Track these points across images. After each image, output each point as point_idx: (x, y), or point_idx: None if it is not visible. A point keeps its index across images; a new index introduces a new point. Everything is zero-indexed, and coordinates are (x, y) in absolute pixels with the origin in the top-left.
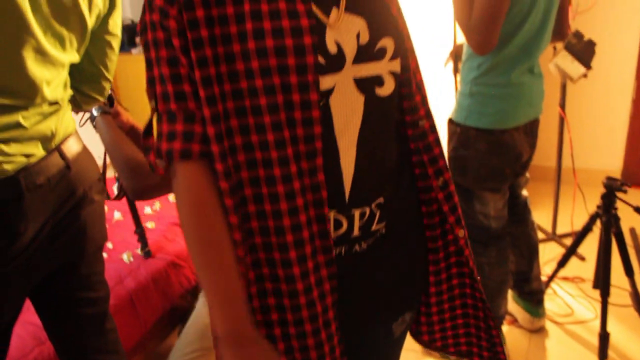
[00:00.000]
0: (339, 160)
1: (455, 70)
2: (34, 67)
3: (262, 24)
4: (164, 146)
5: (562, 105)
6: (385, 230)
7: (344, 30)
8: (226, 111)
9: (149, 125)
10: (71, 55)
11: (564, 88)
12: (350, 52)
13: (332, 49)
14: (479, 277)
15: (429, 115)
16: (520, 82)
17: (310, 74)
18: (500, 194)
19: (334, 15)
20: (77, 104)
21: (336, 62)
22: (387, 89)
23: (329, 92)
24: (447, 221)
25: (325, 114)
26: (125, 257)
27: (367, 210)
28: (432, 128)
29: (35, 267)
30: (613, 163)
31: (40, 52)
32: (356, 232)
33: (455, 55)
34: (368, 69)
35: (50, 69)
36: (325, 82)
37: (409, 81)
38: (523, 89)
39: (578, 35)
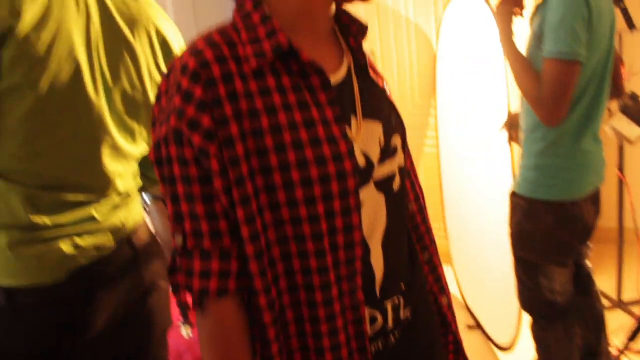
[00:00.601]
0: (369, 259)
1: (510, 139)
2: (109, 163)
3: (303, 152)
4: (197, 285)
5: (621, 168)
6: (410, 315)
7: (367, 139)
8: (268, 242)
9: (174, 262)
10: (141, 147)
11: (621, 150)
12: (375, 159)
13: (361, 161)
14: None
15: (417, 199)
16: (587, 151)
17: (352, 196)
18: (567, 268)
19: (354, 125)
20: (143, 188)
21: (366, 174)
22: (398, 183)
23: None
24: (432, 291)
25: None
26: (184, 332)
27: (396, 299)
28: (420, 210)
29: (102, 354)
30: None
31: (115, 148)
32: (390, 324)
33: (510, 124)
34: (386, 169)
35: (123, 163)
36: (361, 196)
37: (406, 170)
38: (590, 158)
39: (634, 97)
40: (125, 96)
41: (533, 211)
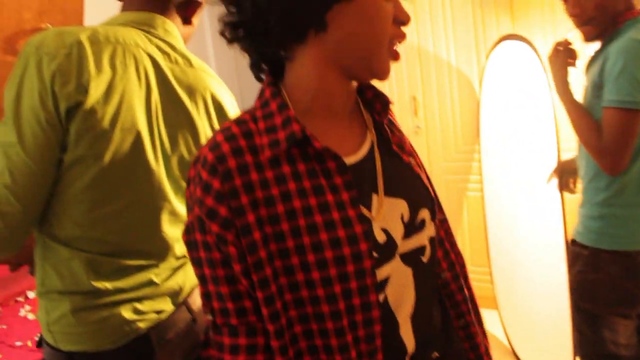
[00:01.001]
0: (399, 332)
1: (561, 187)
2: (168, 228)
3: (318, 235)
4: (227, 359)
5: None
6: None
7: (389, 216)
8: (289, 321)
9: (207, 336)
10: None
11: None
12: (398, 235)
13: (381, 239)
14: None
15: (451, 267)
16: None
17: (369, 276)
18: (631, 320)
19: (375, 203)
20: None
21: (388, 250)
22: (427, 254)
23: (385, 280)
24: (468, 359)
25: (387, 308)
26: None
27: None
28: (455, 278)
29: None
30: None
31: (173, 214)
32: None
33: (562, 171)
34: (412, 243)
35: (180, 227)
36: (382, 273)
37: (438, 240)
38: None
39: None
40: (182, 162)
41: (597, 261)
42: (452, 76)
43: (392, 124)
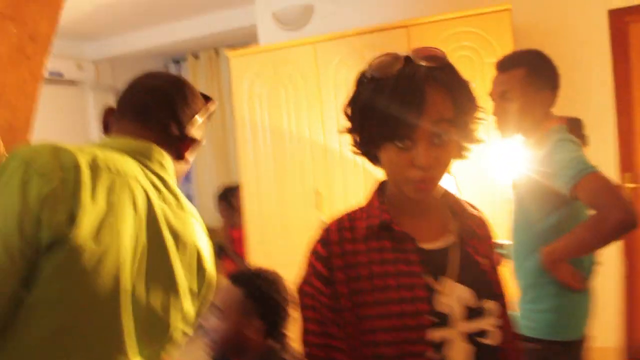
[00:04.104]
0: None
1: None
2: None
3: (388, 293)
4: None
5: None
6: None
7: (453, 296)
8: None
9: None
10: None
11: None
12: (458, 312)
13: (441, 309)
14: None
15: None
16: (590, 285)
17: (425, 331)
18: None
19: (444, 283)
20: None
21: (446, 320)
22: (494, 339)
23: (442, 345)
24: None
25: None
26: None
27: None
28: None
29: None
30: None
31: None
32: None
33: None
34: (476, 325)
35: None
36: (437, 335)
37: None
38: (590, 290)
39: None
40: (151, 316)
41: (550, 354)
42: (357, 172)
43: (476, 233)
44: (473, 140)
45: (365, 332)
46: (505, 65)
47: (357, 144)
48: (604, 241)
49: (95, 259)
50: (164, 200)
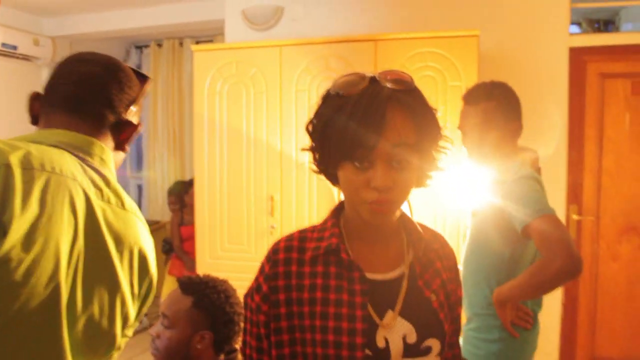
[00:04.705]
0: None
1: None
2: None
3: (327, 321)
4: None
5: None
6: None
7: (394, 331)
8: None
9: None
10: None
11: None
12: (396, 348)
13: (380, 344)
14: None
15: None
16: (536, 310)
17: None
18: None
19: (387, 317)
20: None
21: (383, 356)
22: None
23: None
24: None
25: None
26: None
27: None
28: None
29: None
30: None
31: None
32: None
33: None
34: None
35: None
36: None
37: None
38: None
39: None
40: (90, 323)
41: None
42: (312, 181)
43: (433, 266)
44: (434, 167)
45: (300, 356)
46: (476, 98)
47: (317, 162)
48: (549, 285)
49: (25, 268)
50: (105, 199)
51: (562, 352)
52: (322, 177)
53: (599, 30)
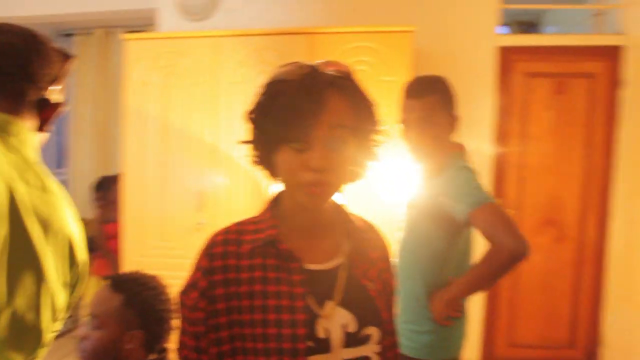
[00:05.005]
0: None
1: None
2: None
3: (267, 315)
4: None
5: None
6: None
7: (334, 321)
8: None
9: None
10: None
11: None
12: (337, 338)
13: (321, 334)
14: None
15: None
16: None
17: (301, 356)
18: None
19: (327, 308)
20: None
21: (324, 346)
22: None
23: None
24: None
25: None
26: None
27: None
28: None
29: None
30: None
31: None
32: None
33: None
34: (355, 352)
35: None
36: None
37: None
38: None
39: None
40: (14, 319)
41: None
42: (245, 177)
43: (368, 256)
44: (371, 156)
45: (240, 351)
46: (419, 91)
47: (255, 150)
48: (502, 271)
49: None
50: (28, 182)
51: (484, 339)
52: (253, 172)
53: (525, 31)
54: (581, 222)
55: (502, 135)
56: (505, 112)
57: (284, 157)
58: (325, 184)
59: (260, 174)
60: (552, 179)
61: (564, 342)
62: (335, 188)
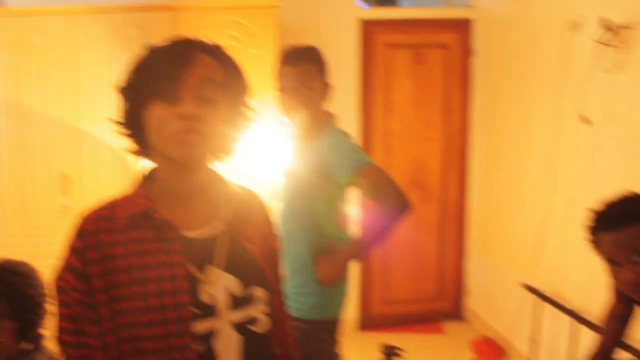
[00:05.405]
0: None
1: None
2: None
3: (147, 286)
4: None
5: None
6: None
7: (217, 285)
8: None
9: None
10: None
11: None
12: (222, 301)
13: (205, 299)
14: None
15: (284, 346)
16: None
17: (186, 323)
18: None
19: (208, 273)
20: None
21: (209, 311)
22: (263, 326)
23: (208, 335)
24: None
25: (210, 356)
26: None
27: None
28: (287, 357)
29: None
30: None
31: None
32: None
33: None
34: (242, 314)
35: None
36: (202, 326)
37: (275, 318)
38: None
39: None
40: None
41: (314, 331)
42: (113, 157)
43: (248, 219)
44: (245, 120)
45: (123, 327)
46: (294, 60)
47: (125, 117)
48: (390, 227)
49: None
50: None
51: (361, 298)
52: (120, 152)
53: (383, 5)
54: (443, 183)
55: (367, 104)
56: (369, 82)
57: (155, 112)
58: (197, 132)
59: (129, 152)
60: (415, 144)
61: (433, 295)
62: (209, 140)
